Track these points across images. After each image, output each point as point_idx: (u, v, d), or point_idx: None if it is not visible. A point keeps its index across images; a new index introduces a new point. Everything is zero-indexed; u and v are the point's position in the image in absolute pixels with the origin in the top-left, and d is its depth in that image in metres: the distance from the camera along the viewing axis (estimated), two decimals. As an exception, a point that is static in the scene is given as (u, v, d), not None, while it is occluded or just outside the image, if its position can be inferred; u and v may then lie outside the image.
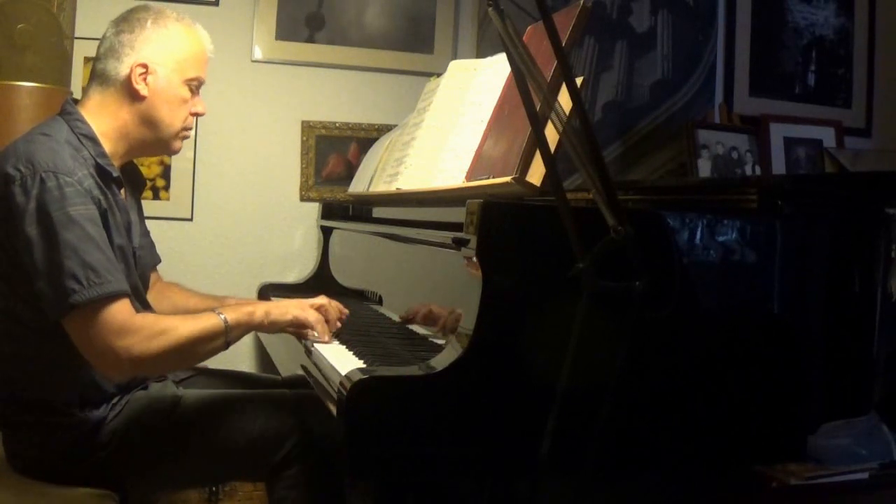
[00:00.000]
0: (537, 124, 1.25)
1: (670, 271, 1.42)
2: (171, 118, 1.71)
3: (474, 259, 1.35)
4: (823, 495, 1.51)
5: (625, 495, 1.48)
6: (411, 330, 1.84)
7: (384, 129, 2.83)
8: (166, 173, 2.83)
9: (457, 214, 1.42)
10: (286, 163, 2.97)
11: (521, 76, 1.23)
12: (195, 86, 1.74)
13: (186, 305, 1.96)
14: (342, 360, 1.56)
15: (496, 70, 1.91)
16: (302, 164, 2.97)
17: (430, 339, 1.72)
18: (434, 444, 1.33)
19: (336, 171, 3.00)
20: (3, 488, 1.57)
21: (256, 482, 2.39)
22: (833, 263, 1.54)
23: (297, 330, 1.75)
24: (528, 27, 1.82)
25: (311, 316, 1.72)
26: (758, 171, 3.28)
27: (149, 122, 1.70)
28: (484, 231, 1.35)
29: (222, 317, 1.60)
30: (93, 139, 1.64)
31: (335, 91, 3.00)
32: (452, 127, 1.93)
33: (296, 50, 2.95)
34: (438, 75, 2.23)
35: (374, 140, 2.74)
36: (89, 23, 2.54)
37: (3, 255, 1.55)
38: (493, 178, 1.59)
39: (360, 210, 2.60)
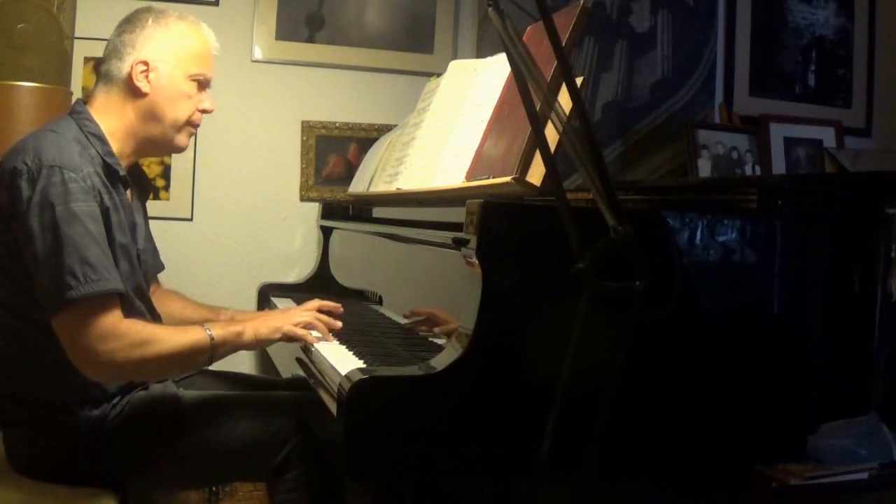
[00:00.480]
0: (537, 124, 1.25)
1: (670, 271, 1.42)
2: (175, 113, 1.71)
3: (474, 259, 1.35)
4: (823, 495, 1.51)
5: (625, 495, 1.47)
6: (411, 330, 1.84)
7: (384, 129, 2.83)
8: (166, 173, 2.83)
9: (457, 214, 1.42)
10: (286, 163, 2.96)
11: (521, 76, 1.23)
12: (200, 82, 1.74)
13: (182, 315, 1.97)
14: (342, 360, 1.56)
15: (496, 70, 1.91)
16: (302, 164, 2.97)
17: (430, 339, 1.72)
18: (434, 444, 1.33)
19: (336, 171, 3.00)
20: (3, 488, 1.58)
21: (256, 483, 2.39)
22: (833, 263, 1.54)
23: (290, 341, 1.76)
24: (528, 27, 1.82)
25: (300, 331, 1.72)
26: (758, 171, 3.27)
27: (152, 117, 1.70)
28: (484, 231, 1.35)
29: (210, 333, 1.61)
30: (101, 138, 1.65)
31: (335, 91, 3.00)
32: (452, 127, 1.93)
33: (296, 50, 2.95)
34: (438, 75, 2.23)
35: (374, 140, 2.73)
36: (89, 23, 2.54)
37: (6, 247, 1.55)
38: (493, 178, 1.59)
39: (360, 210, 2.60)
